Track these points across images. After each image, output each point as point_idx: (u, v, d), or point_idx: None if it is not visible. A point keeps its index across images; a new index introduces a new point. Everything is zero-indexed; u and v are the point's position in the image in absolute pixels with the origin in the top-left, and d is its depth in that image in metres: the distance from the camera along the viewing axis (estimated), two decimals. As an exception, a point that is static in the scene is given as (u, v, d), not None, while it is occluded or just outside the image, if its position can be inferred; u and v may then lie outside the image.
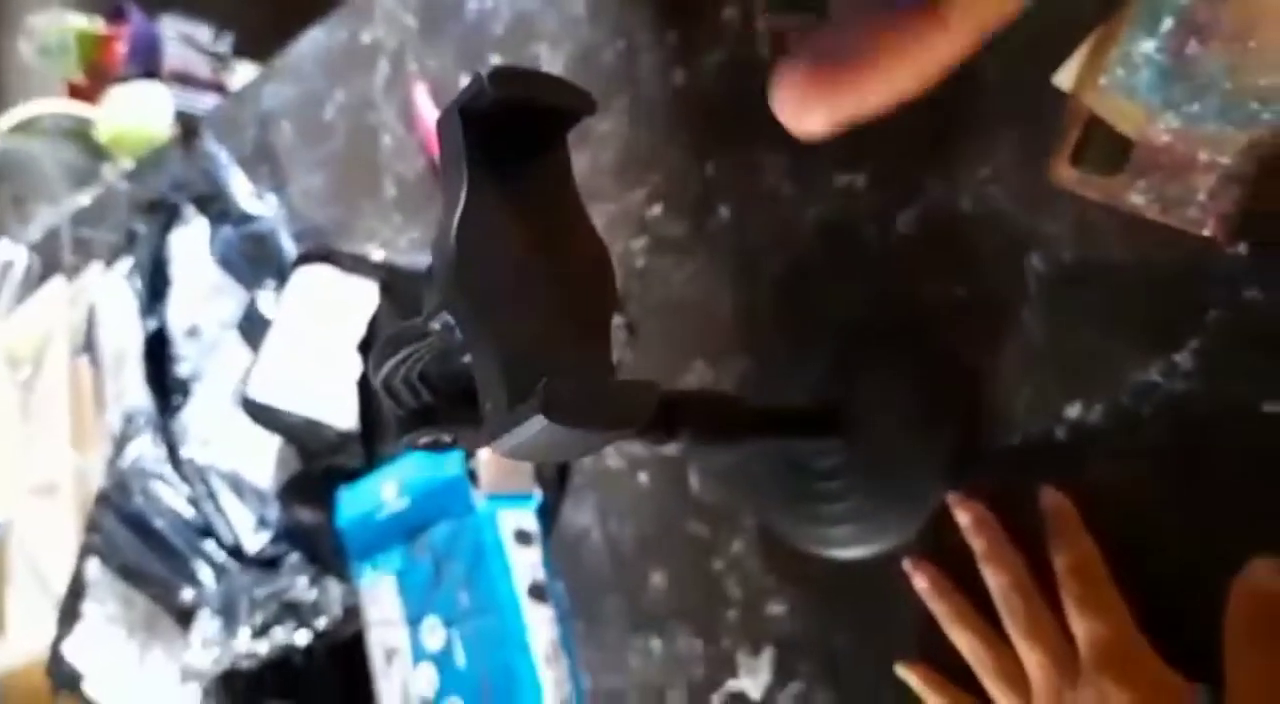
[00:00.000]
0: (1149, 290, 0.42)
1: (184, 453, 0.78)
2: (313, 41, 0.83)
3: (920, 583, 0.45)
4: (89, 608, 0.78)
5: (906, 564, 0.45)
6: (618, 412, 0.24)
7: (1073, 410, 0.43)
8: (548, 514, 0.60)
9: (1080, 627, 0.39)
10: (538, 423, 0.23)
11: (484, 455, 0.60)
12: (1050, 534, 0.41)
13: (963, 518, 0.44)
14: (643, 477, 0.57)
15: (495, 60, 0.67)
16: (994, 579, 0.42)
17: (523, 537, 0.58)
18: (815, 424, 0.46)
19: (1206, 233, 0.40)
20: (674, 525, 0.55)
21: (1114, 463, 0.42)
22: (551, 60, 0.63)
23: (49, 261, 1.09)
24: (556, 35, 0.63)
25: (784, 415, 0.46)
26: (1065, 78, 0.44)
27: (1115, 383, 0.42)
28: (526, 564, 0.59)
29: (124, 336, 0.88)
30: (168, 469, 0.79)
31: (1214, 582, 0.38)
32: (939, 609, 0.44)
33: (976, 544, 0.43)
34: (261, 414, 0.70)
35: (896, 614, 0.47)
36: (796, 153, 0.52)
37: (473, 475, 0.58)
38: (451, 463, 0.58)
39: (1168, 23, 0.41)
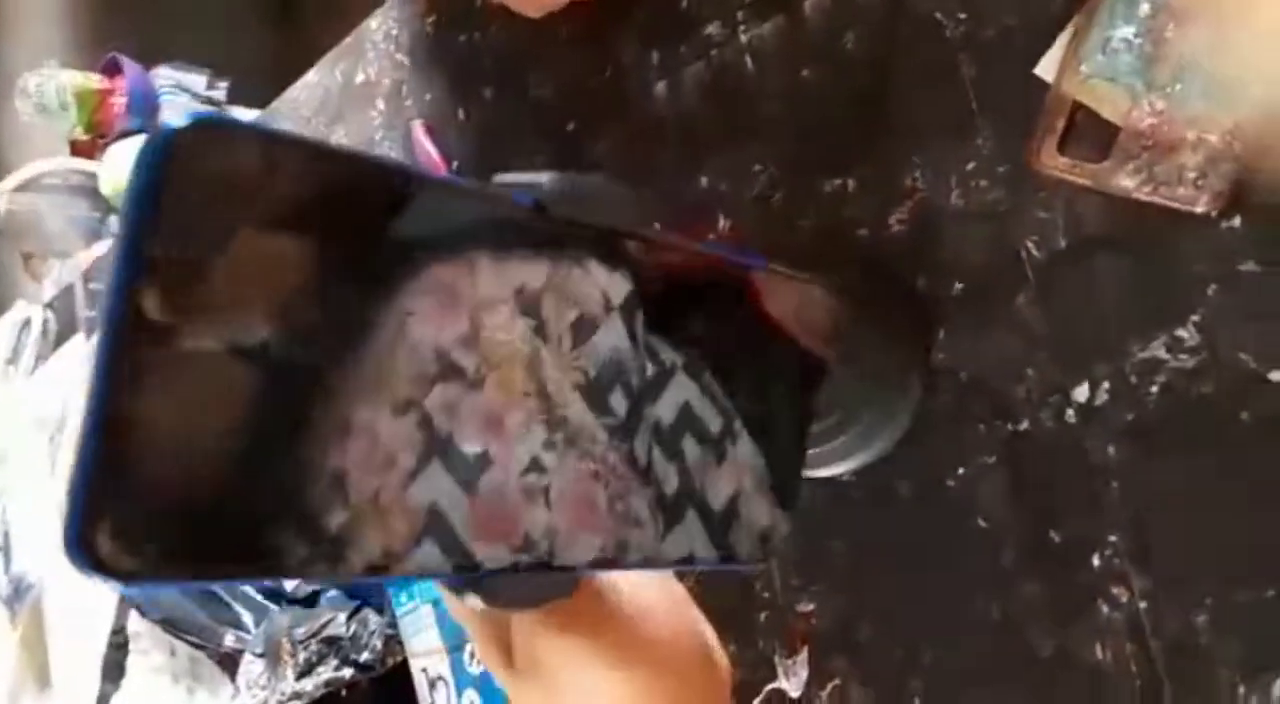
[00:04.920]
0: (1147, 269, 0.42)
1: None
2: (308, 85, 0.85)
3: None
4: (133, 660, 0.80)
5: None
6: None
7: (1080, 392, 0.44)
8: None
9: None
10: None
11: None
12: None
13: None
14: (666, 489, 0.58)
15: (488, 93, 0.68)
16: None
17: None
18: None
19: (1199, 209, 0.40)
20: (700, 534, 0.56)
21: (1127, 441, 0.42)
22: (541, 87, 0.65)
23: (66, 318, 1.11)
24: (545, 65, 0.65)
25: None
26: (1046, 68, 0.45)
27: (1121, 362, 0.43)
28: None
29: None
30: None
31: (1232, 552, 0.38)
32: None
33: None
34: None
35: (916, 600, 0.47)
36: (786, 162, 0.53)
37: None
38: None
39: (1145, 7, 0.42)
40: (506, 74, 0.67)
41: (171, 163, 0.16)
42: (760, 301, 0.27)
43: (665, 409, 0.26)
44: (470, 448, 0.21)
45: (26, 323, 1.12)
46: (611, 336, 0.24)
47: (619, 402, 0.24)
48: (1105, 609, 0.43)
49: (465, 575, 0.22)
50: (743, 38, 0.55)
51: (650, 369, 0.25)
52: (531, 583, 0.24)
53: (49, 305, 1.13)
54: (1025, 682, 0.45)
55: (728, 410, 0.27)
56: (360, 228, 0.19)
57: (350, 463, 0.19)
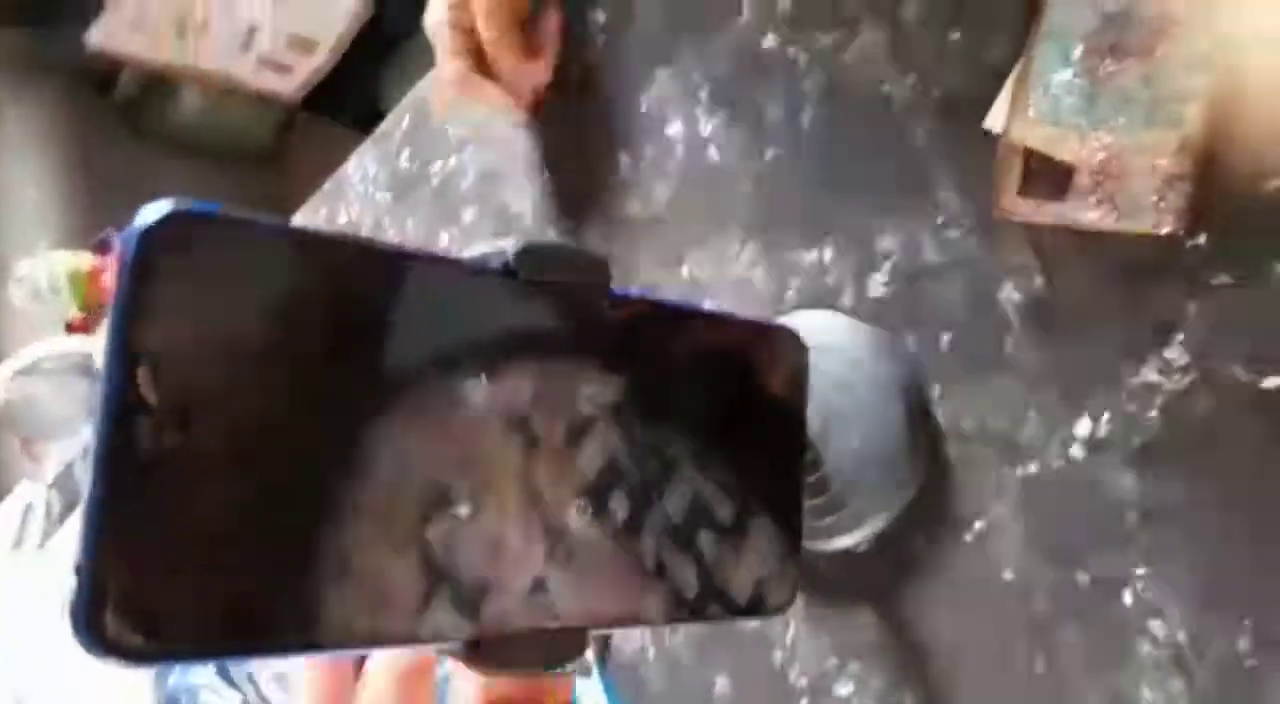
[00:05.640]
0: (1125, 297, 0.43)
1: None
2: (291, 233, 0.87)
3: None
4: None
5: None
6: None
7: (1083, 427, 0.44)
8: (599, 644, 0.60)
9: None
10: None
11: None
12: None
13: None
14: (684, 582, 0.57)
15: (469, 214, 0.70)
16: None
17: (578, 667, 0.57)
18: None
19: (1164, 230, 0.41)
20: (726, 625, 0.55)
21: (1136, 469, 0.42)
22: (519, 202, 0.67)
23: (69, 497, 1.11)
24: (519, 183, 0.67)
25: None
26: (995, 120, 0.46)
27: (1116, 391, 0.43)
28: (588, 697, 0.58)
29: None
30: (215, 679, 0.78)
31: (1261, 566, 0.37)
32: None
33: None
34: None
35: (956, 665, 0.46)
36: (763, 241, 0.54)
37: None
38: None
39: (1078, 50, 0.44)
40: (484, 193, 0.69)
41: (149, 256, 0.16)
42: (748, 360, 0.28)
43: (673, 506, 0.26)
44: (471, 576, 0.21)
45: (30, 507, 1.11)
46: (606, 440, 0.24)
47: (620, 504, 0.24)
48: (1147, 647, 0.41)
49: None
50: (703, 131, 0.57)
51: (653, 466, 0.25)
52: (540, 643, 0.23)
53: (52, 485, 1.13)
54: (1079, 734, 0.43)
55: (735, 493, 0.27)
56: (347, 317, 0.19)
57: (352, 602, 0.19)
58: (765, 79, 0.55)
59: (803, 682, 0.51)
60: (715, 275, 0.56)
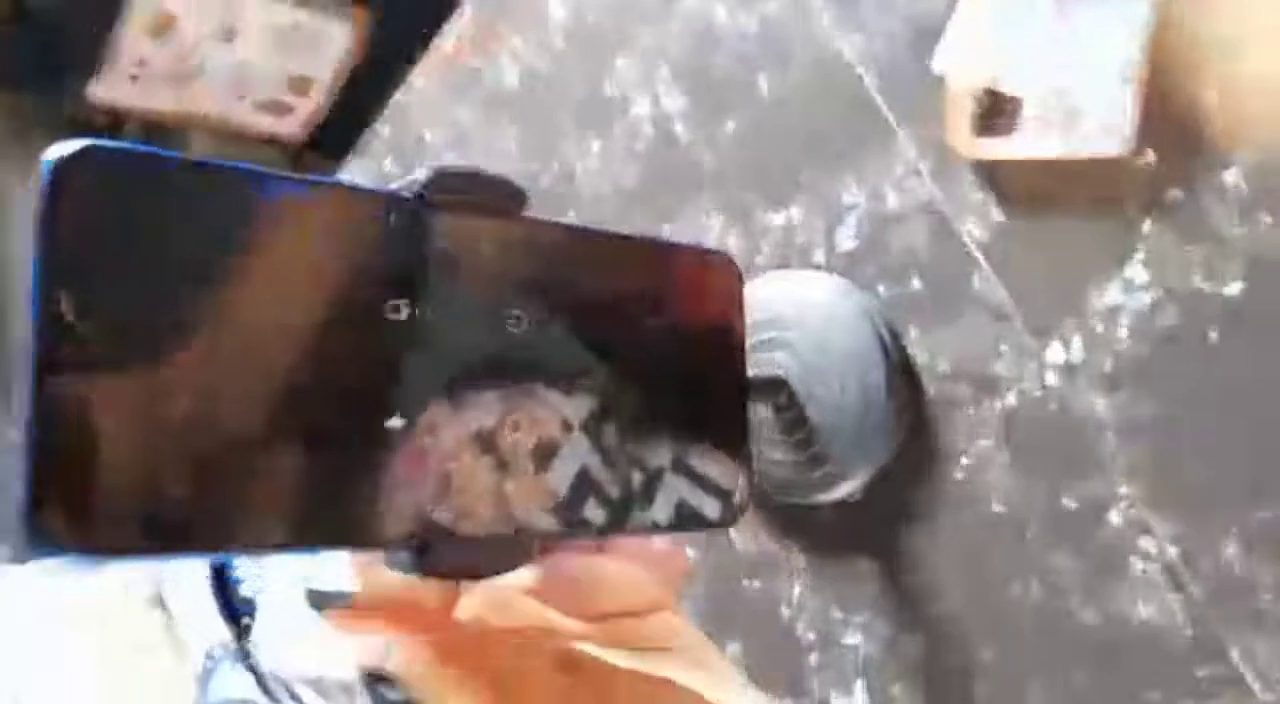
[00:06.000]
0: (1083, 221, 0.43)
1: (265, 669, 0.79)
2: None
3: None
4: None
5: None
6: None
7: (1055, 353, 0.44)
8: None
9: None
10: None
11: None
12: None
13: None
14: (690, 551, 0.57)
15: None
16: None
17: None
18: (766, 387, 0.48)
19: (1114, 153, 0.42)
20: (733, 588, 0.55)
21: (1109, 389, 0.42)
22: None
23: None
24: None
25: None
26: (940, 63, 0.47)
27: (1084, 314, 0.43)
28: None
29: (190, 575, 0.90)
30: (255, 693, 0.80)
31: (1240, 472, 0.38)
32: None
33: None
34: (332, 600, 0.71)
35: (956, 602, 0.46)
36: (732, 207, 0.55)
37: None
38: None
39: (1011, -13, 0.44)
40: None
41: (62, 182, 0.18)
42: (679, 285, 0.29)
43: (660, 512, 0.27)
44: (401, 486, 0.22)
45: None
46: (577, 455, 0.25)
47: (595, 513, 0.26)
48: (1139, 564, 0.42)
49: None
50: (666, 106, 0.58)
51: (636, 478, 0.26)
52: (483, 549, 0.24)
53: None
54: (1082, 658, 0.43)
55: (716, 482, 0.28)
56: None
57: (276, 506, 0.21)
58: (719, 51, 0.56)
59: (810, 636, 0.52)
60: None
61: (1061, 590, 0.44)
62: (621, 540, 0.28)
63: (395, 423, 0.22)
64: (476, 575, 0.24)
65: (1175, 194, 0.41)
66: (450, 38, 0.72)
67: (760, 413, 0.50)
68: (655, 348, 0.28)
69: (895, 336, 0.48)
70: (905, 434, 0.48)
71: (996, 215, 0.46)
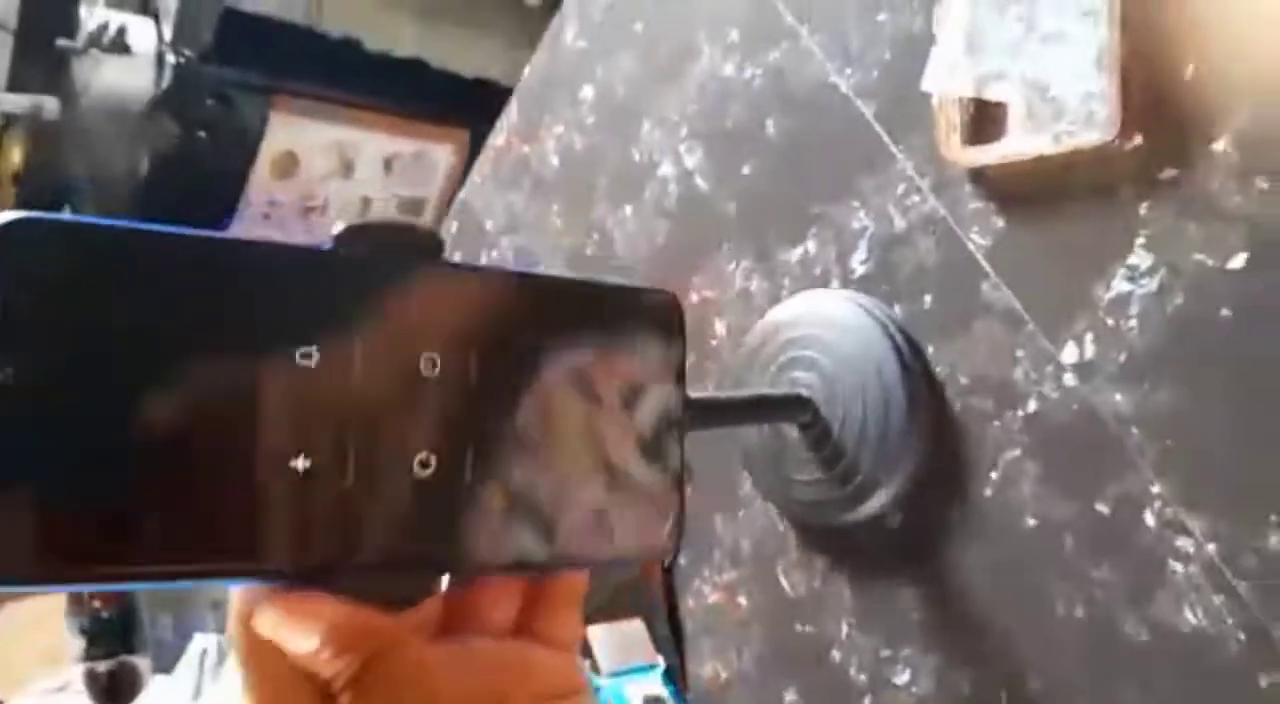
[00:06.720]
0: (1082, 214, 0.42)
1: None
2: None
3: None
4: None
5: None
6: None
7: (1070, 353, 0.42)
8: (675, 678, 0.59)
9: None
10: None
11: (597, 638, 0.60)
12: None
13: None
14: (741, 599, 0.56)
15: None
16: None
17: (653, 701, 0.57)
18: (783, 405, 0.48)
19: (1102, 140, 0.41)
20: (784, 633, 0.54)
21: (1128, 383, 0.40)
22: (552, 270, 0.71)
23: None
24: (549, 253, 0.72)
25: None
26: (930, 82, 0.47)
27: (1093, 309, 0.41)
28: (675, 735, 0.57)
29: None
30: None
31: (1273, 457, 0.35)
32: None
33: None
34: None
35: (1001, 627, 0.44)
36: (752, 251, 0.56)
37: (585, 653, 0.59)
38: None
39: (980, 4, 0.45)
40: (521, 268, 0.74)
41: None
42: (615, 323, 0.30)
43: (535, 462, 0.28)
44: (317, 521, 0.24)
45: (204, 652, 1.20)
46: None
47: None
48: (1179, 567, 0.39)
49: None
50: (687, 163, 0.60)
51: (506, 425, 0.27)
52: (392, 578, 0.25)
53: (220, 630, 1.22)
54: (1133, 674, 0.40)
55: (607, 448, 0.29)
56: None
57: (174, 535, 0.22)
58: (731, 102, 0.58)
59: (862, 678, 0.50)
60: (720, 295, 0.58)
61: (1104, 608, 0.41)
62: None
63: (300, 464, 0.23)
64: (385, 604, 0.25)
65: (1169, 172, 0.39)
66: (501, 133, 0.77)
67: (788, 433, 0.49)
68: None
69: (912, 344, 0.47)
70: (930, 445, 0.47)
71: (997, 221, 0.45)
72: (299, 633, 0.23)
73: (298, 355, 0.23)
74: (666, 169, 0.62)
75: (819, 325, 0.50)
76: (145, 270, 0.22)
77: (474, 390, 0.26)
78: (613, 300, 0.30)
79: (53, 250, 0.21)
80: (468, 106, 1.65)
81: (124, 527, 0.21)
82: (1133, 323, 0.40)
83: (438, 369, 0.25)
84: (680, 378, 0.30)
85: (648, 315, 0.30)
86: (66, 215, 0.21)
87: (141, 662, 1.20)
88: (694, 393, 0.32)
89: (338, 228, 0.25)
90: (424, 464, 0.25)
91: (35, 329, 0.21)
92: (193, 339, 0.22)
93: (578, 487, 0.27)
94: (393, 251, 0.25)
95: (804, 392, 0.48)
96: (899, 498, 0.47)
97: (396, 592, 0.25)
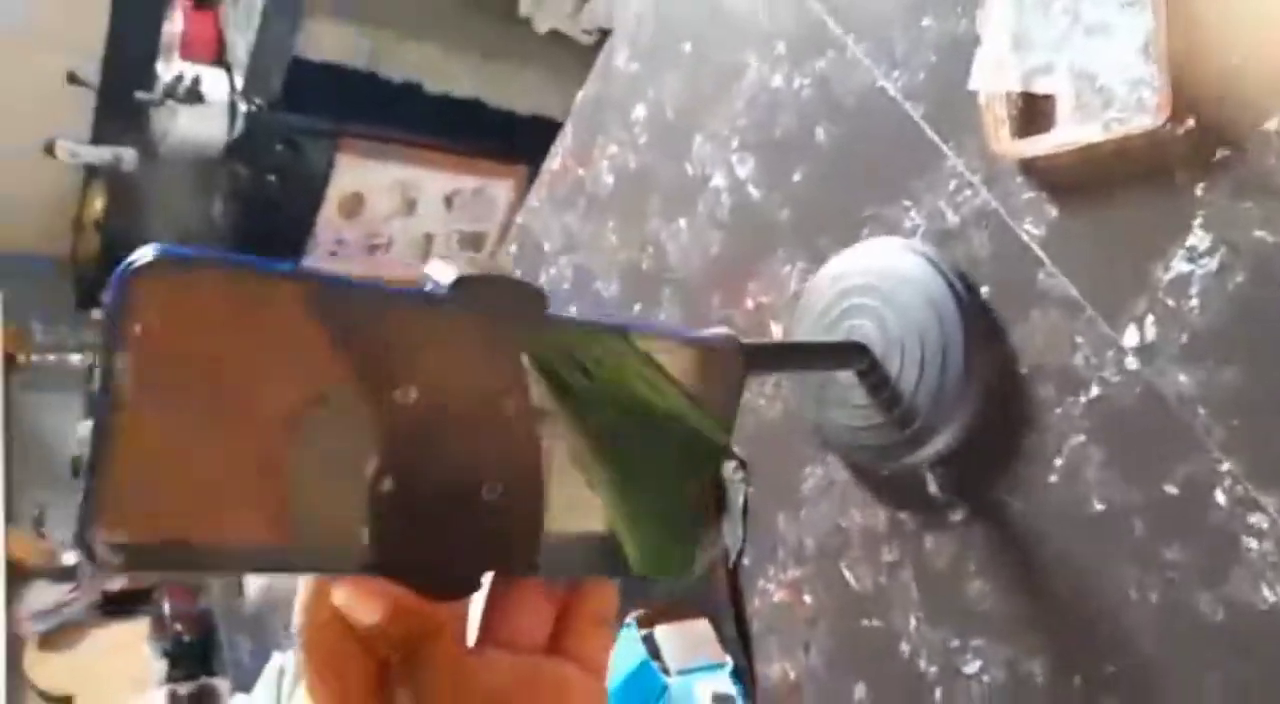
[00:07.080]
0: (1137, 199, 0.42)
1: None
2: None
3: None
4: None
5: None
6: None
7: (1131, 337, 0.42)
8: (743, 677, 0.60)
9: None
10: None
11: (664, 637, 0.61)
12: None
13: None
14: (807, 596, 0.57)
15: (574, 308, 0.77)
16: None
17: (722, 699, 0.58)
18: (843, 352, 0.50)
19: (1154, 125, 0.41)
20: (852, 629, 0.54)
21: (1191, 363, 0.40)
22: (608, 288, 0.73)
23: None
24: (605, 272, 0.73)
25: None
26: (977, 80, 0.48)
27: (1153, 291, 0.42)
28: (746, 737, 0.57)
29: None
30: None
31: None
32: None
33: None
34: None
35: (1074, 615, 0.43)
36: (807, 253, 0.57)
37: (654, 653, 0.59)
38: (629, 651, 0.59)
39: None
40: (580, 286, 0.76)
41: (131, 281, 0.21)
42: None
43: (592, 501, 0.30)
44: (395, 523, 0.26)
45: (281, 670, 1.23)
46: (515, 445, 0.28)
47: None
48: (1254, 543, 0.38)
49: None
50: (739, 173, 0.62)
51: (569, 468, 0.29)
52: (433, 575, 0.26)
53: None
54: (1212, 657, 0.39)
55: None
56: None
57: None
58: (780, 112, 0.59)
59: (932, 670, 0.50)
60: (776, 299, 0.59)
61: (1179, 589, 0.41)
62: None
63: (386, 484, 0.25)
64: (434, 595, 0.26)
65: (1223, 153, 0.40)
66: (556, 157, 0.79)
67: (846, 379, 0.50)
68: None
69: (969, 287, 0.48)
70: (987, 414, 0.47)
71: (1051, 211, 0.45)
72: (368, 608, 0.26)
73: (396, 393, 0.26)
74: (719, 181, 0.64)
75: (877, 273, 0.51)
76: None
77: (542, 433, 0.28)
78: (698, 357, 0.32)
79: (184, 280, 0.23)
80: (525, 143, 1.69)
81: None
82: (1194, 303, 0.40)
83: (514, 412, 0.28)
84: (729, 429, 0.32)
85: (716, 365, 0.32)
86: (195, 252, 0.23)
87: (221, 683, 1.23)
88: (750, 340, 0.34)
89: (447, 274, 0.27)
90: (492, 489, 0.27)
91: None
92: (302, 364, 0.24)
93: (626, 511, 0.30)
94: (502, 303, 0.27)
95: (860, 338, 0.50)
96: (960, 436, 0.48)
97: (447, 586, 0.27)
